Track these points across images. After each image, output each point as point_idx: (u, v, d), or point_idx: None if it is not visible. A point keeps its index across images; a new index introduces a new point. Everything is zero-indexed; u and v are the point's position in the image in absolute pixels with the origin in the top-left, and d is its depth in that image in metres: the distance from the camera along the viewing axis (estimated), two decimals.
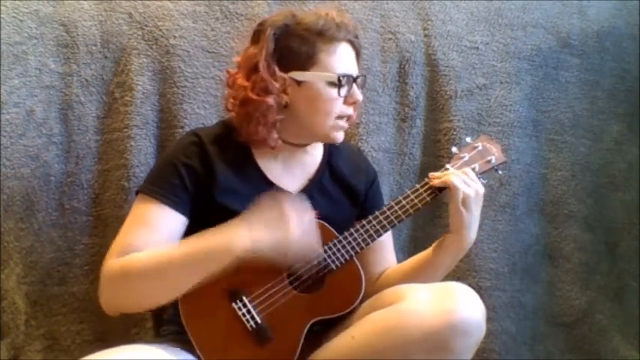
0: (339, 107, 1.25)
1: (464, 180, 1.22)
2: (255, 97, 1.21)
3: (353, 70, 1.27)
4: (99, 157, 1.59)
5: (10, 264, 1.53)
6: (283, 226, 1.08)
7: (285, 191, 1.26)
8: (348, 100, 1.25)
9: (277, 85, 1.21)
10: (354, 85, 1.26)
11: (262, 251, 1.08)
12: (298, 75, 1.23)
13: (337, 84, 1.22)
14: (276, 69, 1.22)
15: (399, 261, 1.41)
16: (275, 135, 1.24)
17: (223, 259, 1.08)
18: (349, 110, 1.27)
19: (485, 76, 1.83)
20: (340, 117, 1.26)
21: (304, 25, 1.23)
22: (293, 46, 1.23)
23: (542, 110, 1.88)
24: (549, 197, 1.88)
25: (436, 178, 1.25)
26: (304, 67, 1.23)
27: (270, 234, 1.08)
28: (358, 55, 1.30)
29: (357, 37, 1.29)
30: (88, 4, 1.59)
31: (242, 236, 1.08)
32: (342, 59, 1.25)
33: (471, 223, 1.22)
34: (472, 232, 1.23)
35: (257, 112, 1.22)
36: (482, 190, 1.23)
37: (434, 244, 1.29)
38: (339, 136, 1.28)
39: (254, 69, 1.22)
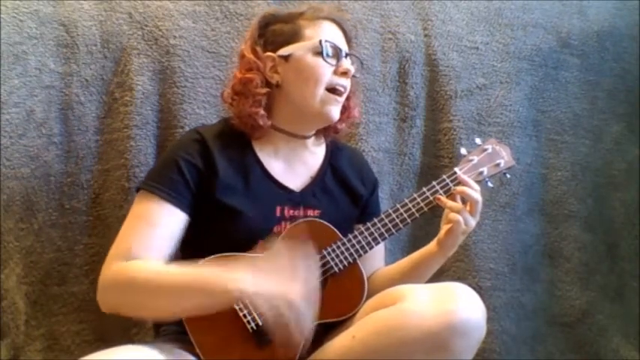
0: (329, 77, 1.26)
1: (470, 219, 1.22)
2: (240, 75, 1.28)
3: (340, 44, 1.29)
4: (99, 157, 1.58)
5: (10, 264, 1.53)
6: (288, 283, 1.03)
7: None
8: (337, 71, 1.27)
9: (261, 64, 1.26)
10: (345, 59, 1.28)
11: (259, 304, 1.03)
12: (284, 50, 1.27)
13: (321, 51, 1.24)
14: (260, 50, 1.27)
15: (397, 260, 1.40)
16: (262, 111, 1.26)
17: (219, 299, 1.06)
18: (340, 80, 1.27)
19: (485, 76, 1.83)
20: (332, 90, 1.27)
21: (288, 12, 1.32)
22: (276, 28, 1.29)
23: (542, 110, 1.88)
24: (549, 197, 1.88)
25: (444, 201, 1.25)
26: (290, 43, 1.27)
27: (273, 288, 1.03)
28: (347, 37, 1.33)
29: (342, 20, 1.32)
30: (88, 4, 1.59)
31: (244, 281, 1.04)
32: (325, 31, 1.28)
33: (460, 242, 1.26)
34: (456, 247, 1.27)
35: (244, 89, 1.27)
36: (475, 222, 1.24)
37: (418, 255, 1.31)
38: (334, 111, 1.28)
39: (241, 57, 1.30)
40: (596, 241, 1.90)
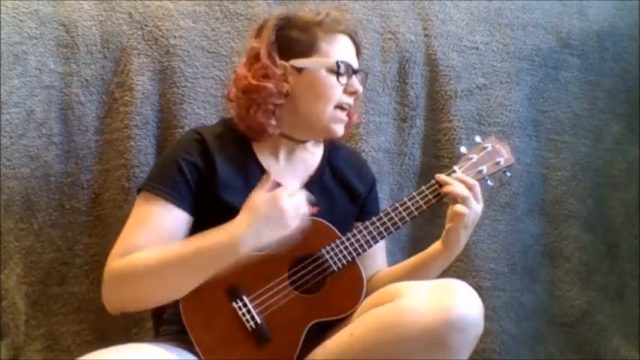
0: (339, 96, 1.27)
1: (472, 203, 1.21)
2: (255, 82, 1.24)
3: (352, 62, 1.29)
4: (99, 157, 1.59)
5: (10, 264, 1.53)
6: (283, 223, 1.10)
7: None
8: (347, 90, 1.27)
9: (278, 72, 1.24)
10: (354, 76, 1.28)
11: (264, 247, 1.11)
12: (298, 62, 1.25)
13: (336, 71, 1.24)
14: (277, 57, 1.25)
15: (397, 261, 1.40)
16: (273, 122, 1.25)
17: (226, 258, 1.09)
18: (349, 100, 1.28)
19: (485, 76, 1.83)
20: (339, 107, 1.27)
21: (305, 18, 1.29)
22: (293, 36, 1.27)
23: (542, 110, 1.88)
24: (549, 197, 1.88)
25: (445, 183, 1.24)
26: (304, 54, 1.26)
27: (272, 232, 1.10)
28: (358, 50, 1.33)
29: (356, 34, 1.32)
30: (88, 4, 1.60)
31: (245, 236, 1.08)
32: (341, 48, 1.28)
33: (465, 239, 1.24)
34: (462, 246, 1.26)
35: (258, 98, 1.24)
36: (481, 209, 1.23)
37: (423, 255, 1.30)
38: (339, 129, 1.29)
39: (255, 58, 1.26)
40: (596, 241, 1.90)
